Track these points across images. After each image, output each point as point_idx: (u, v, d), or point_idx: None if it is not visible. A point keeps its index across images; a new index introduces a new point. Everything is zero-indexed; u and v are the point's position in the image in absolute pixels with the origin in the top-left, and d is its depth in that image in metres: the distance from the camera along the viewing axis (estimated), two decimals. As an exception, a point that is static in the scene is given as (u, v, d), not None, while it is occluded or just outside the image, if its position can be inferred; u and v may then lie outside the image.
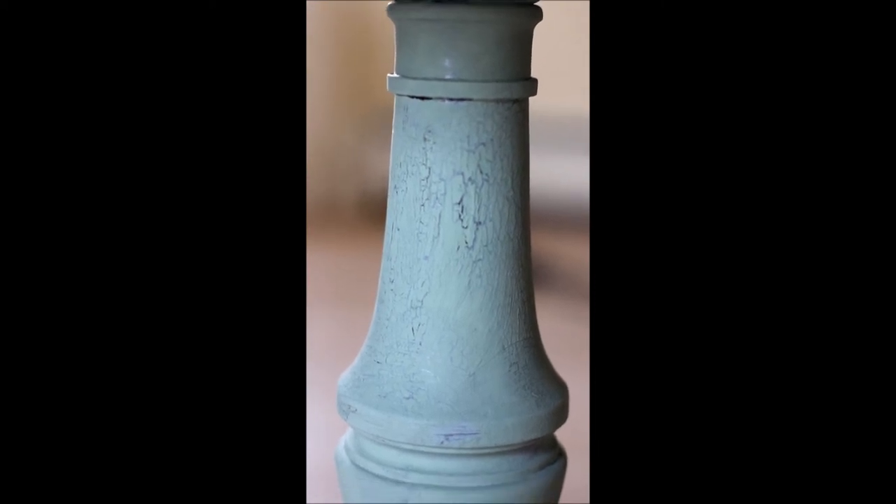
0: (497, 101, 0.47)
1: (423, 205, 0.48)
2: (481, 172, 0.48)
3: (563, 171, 1.59)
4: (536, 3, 0.48)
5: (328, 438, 0.77)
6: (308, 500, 0.69)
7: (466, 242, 0.48)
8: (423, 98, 0.48)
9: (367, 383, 0.49)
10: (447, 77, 0.47)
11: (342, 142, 1.75)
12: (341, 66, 1.74)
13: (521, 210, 0.49)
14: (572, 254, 1.41)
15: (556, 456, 0.52)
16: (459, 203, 0.48)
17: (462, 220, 0.48)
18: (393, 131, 0.50)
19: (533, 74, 0.50)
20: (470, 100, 0.47)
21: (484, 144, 0.47)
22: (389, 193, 0.50)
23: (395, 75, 0.49)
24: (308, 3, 1.56)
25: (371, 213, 1.65)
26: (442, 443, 0.47)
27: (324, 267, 1.33)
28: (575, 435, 0.65)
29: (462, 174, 0.47)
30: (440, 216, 0.48)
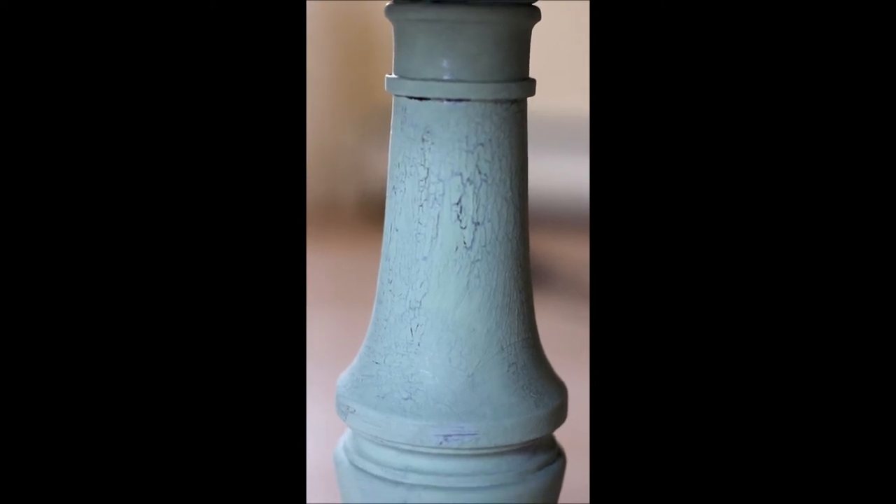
0: (495, 101, 0.47)
1: (421, 205, 0.48)
2: (480, 173, 0.48)
3: (563, 171, 1.59)
4: (535, 4, 0.48)
5: (328, 438, 0.77)
6: (308, 501, 0.69)
7: (465, 243, 0.48)
8: (421, 99, 0.48)
9: (366, 384, 0.49)
10: (445, 78, 0.47)
11: (342, 142, 1.75)
12: (341, 66, 1.74)
13: (520, 210, 0.49)
14: (572, 254, 1.41)
15: (554, 456, 0.52)
16: (458, 203, 0.48)
17: (460, 221, 0.48)
18: (391, 132, 0.50)
19: (533, 74, 0.50)
20: (468, 100, 0.47)
21: (482, 145, 0.47)
22: (388, 194, 0.50)
23: (393, 76, 0.49)
24: (308, 3, 1.56)
25: (371, 213, 1.65)
26: (441, 443, 0.47)
27: (323, 267, 1.33)
28: (575, 435, 0.66)
29: (460, 175, 0.47)
30: (438, 217, 0.48)
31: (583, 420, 0.76)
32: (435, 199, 0.48)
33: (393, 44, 0.49)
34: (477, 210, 0.48)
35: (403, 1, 0.47)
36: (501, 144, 0.48)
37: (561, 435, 0.57)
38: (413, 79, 0.48)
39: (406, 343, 0.49)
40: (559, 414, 0.50)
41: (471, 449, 0.48)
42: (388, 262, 0.50)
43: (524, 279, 0.50)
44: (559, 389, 0.51)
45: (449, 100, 0.47)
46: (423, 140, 0.48)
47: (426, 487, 0.48)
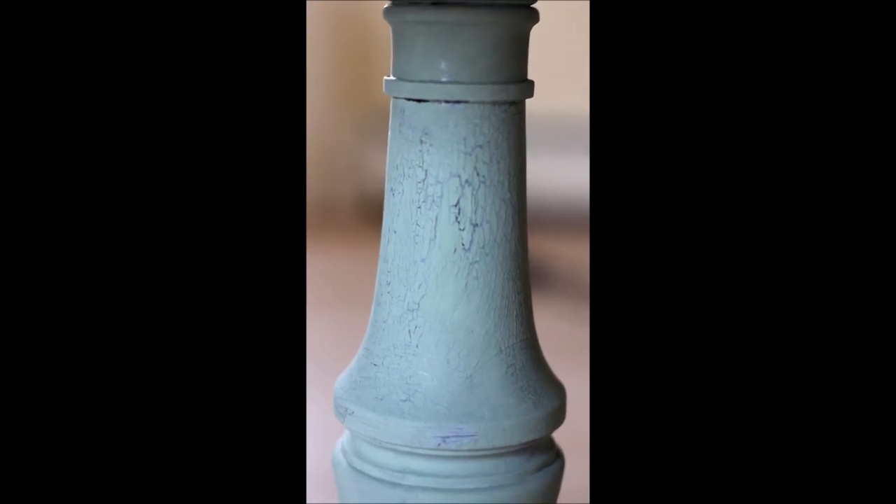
0: (494, 103, 0.47)
1: (419, 207, 0.48)
2: (478, 175, 0.48)
3: (563, 171, 1.59)
4: (533, 5, 0.48)
5: (328, 439, 0.77)
6: (308, 501, 0.69)
7: (463, 244, 0.48)
8: (419, 100, 0.48)
9: (364, 385, 0.49)
10: (444, 79, 0.47)
11: (341, 142, 1.75)
12: (340, 67, 1.74)
13: (518, 212, 0.49)
14: (572, 254, 1.41)
15: (553, 457, 0.52)
16: (456, 205, 0.48)
17: (459, 223, 0.48)
18: (389, 133, 0.50)
19: (532, 75, 0.50)
20: (466, 102, 0.47)
21: (481, 147, 0.47)
22: (386, 196, 0.50)
23: (391, 78, 0.49)
24: (308, 3, 1.56)
25: (369, 213, 1.65)
26: (439, 445, 0.47)
27: (322, 268, 1.33)
28: (575, 435, 0.65)
29: (459, 176, 0.47)
30: (437, 218, 0.48)
31: (582, 420, 0.76)
32: (433, 200, 0.48)
33: (391, 45, 0.49)
34: (475, 212, 0.48)
35: (402, 3, 0.47)
36: (500, 146, 0.48)
37: (560, 435, 0.57)
38: (411, 81, 0.48)
39: (404, 345, 0.49)
40: (558, 415, 0.50)
41: (469, 450, 0.48)
42: (387, 263, 0.50)
43: (523, 280, 0.50)
44: (558, 391, 0.51)
45: (447, 101, 0.47)
46: (421, 142, 0.48)
47: (424, 489, 0.48)
